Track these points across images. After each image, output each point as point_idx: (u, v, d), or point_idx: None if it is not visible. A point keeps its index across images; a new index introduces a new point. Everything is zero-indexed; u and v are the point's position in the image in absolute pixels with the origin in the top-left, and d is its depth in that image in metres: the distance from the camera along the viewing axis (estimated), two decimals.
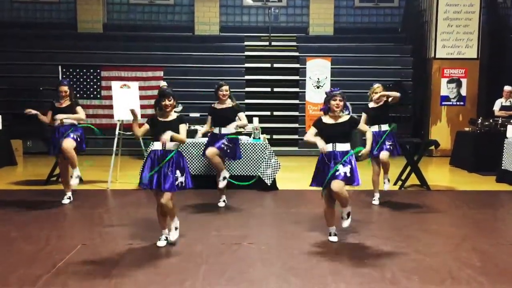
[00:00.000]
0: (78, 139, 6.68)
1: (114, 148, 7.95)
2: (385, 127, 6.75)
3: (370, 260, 4.60)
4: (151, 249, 4.84)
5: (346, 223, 5.15)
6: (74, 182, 6.65)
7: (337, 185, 4.80)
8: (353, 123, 5.01)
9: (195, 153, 7.68)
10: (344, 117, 5.00)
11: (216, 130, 6.52)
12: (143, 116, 7.28)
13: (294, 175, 9.39)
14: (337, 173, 4.79)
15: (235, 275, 4.21)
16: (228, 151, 6.46)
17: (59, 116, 6.62)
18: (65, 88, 6.64)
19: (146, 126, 4.90)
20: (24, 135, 11.27)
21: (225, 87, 6.46)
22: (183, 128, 4.80)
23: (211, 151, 6.41)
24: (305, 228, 5.67)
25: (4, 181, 8.41)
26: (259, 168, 7.75)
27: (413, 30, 13.62)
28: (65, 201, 6.72)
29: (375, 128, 6.71)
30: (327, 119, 5.01)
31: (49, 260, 4.48)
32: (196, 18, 14.17)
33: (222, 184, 6.53)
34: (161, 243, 4.92)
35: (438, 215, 6.48)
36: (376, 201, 6.88)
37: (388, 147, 6.69)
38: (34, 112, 6.75)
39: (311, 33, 14.21)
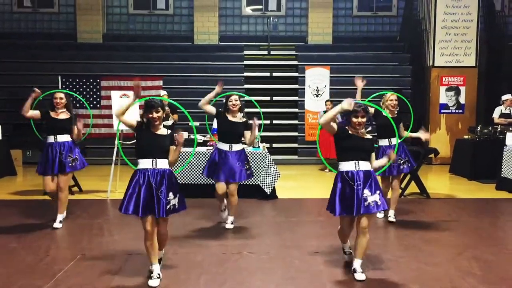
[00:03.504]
0: (77, 164, 6.02)
1: (114, 158, 7.96)
2: (394, 141, 6.01)
3: (371, 269, 4.58)
4: None
5: (361, 276, 4.32)
6: (56, 226, 5.91)
7: (368, 222, 4.31)
8: (373, 144, 4.48)
9: (193, 161, 7.67)
10: (367, 135, 4.43)
11: (225, 147, 5.81)
12: None
13: (293, 183, 9.39)
14: (366, 203, 4.20)
15: (236, 284, 4.20)
16: (248, 172, 5.89)
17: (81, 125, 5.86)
18: (61, 94, 6.07)
19: (134, 122, 4.28)
20: (23, 145, 11.26)
21: (235, 97, 5.81)
22: (173, 149, 4.24)
23: (222, 188, 5.78)
24: (305, 237, 5.66)
25: (3, 191, 8.40)
26: (258, 177, 7.74)
27: (412, 38, 13.68)
28: (57, 225, 5.96)
29: (385, 142, 6.12)
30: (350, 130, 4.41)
31: (48, 271, 4.47)
32: (195, 28, 14.24)
33: (229, 226, 6.01)
34: (154, 282, 4.14)
35: (438, 223, 6.46)
36: (382, 214, 6.39)
37: (402, 167, 6.23)
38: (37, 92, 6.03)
39: (309, 42, 14.29)
